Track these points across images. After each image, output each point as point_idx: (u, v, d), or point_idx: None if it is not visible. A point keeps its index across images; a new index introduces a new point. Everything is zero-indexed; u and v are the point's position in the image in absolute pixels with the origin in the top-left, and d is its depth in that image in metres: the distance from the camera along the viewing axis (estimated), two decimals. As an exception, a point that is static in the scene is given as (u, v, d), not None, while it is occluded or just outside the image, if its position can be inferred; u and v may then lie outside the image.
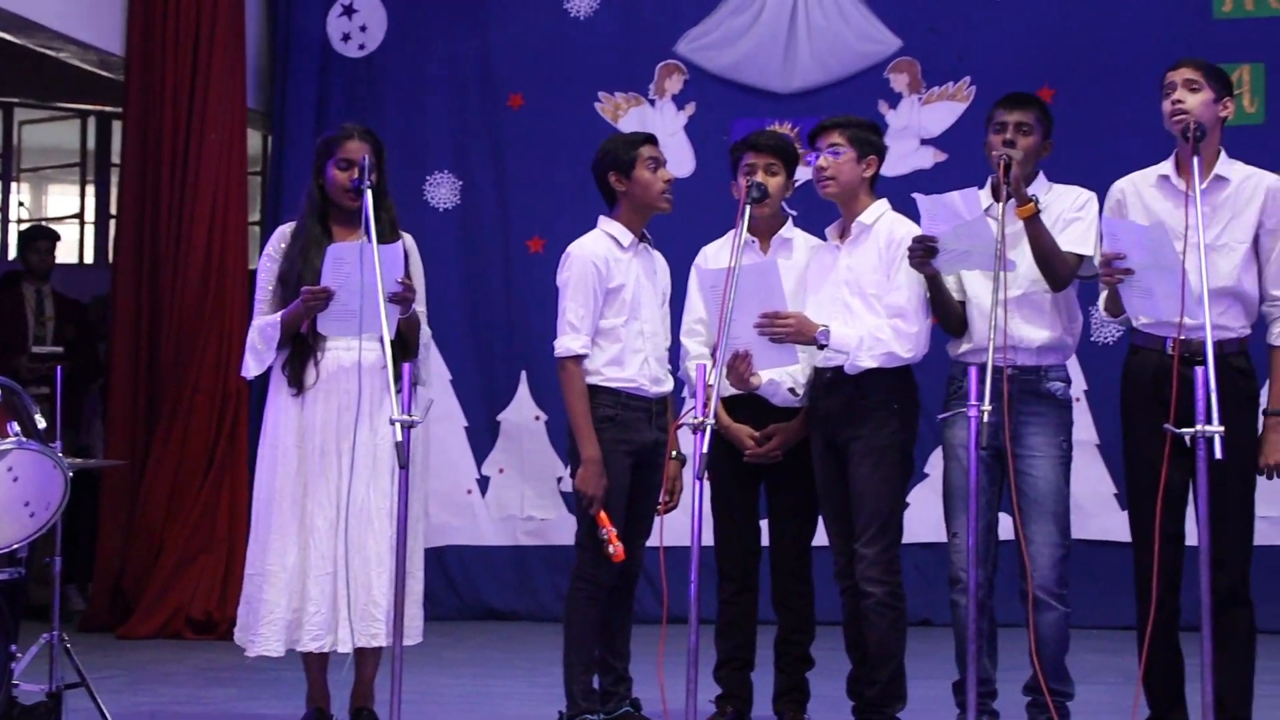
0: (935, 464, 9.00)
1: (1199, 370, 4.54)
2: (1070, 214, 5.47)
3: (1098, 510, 8.67)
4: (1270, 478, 5.23)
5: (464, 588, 9.85)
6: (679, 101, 9.84)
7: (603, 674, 5.80)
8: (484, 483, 9.88)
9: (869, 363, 5.48)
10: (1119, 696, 6.08)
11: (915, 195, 5.34)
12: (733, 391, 5.66)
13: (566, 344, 5.64)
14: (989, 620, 5.53)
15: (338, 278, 5.36)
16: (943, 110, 9.55)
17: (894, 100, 9.63)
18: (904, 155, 9.36)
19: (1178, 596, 5.24)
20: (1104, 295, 5.35)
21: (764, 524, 5.96)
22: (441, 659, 7.76)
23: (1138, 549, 5.23)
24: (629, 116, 9.81)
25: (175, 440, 9.03)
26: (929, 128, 9.56)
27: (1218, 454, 4.46)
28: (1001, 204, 5.22)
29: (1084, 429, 8.81)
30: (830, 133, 5.66)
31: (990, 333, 4.91)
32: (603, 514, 5.53)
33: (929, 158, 9.39)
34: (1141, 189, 5.37)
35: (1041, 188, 5.52)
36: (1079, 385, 8.88)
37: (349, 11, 10.15)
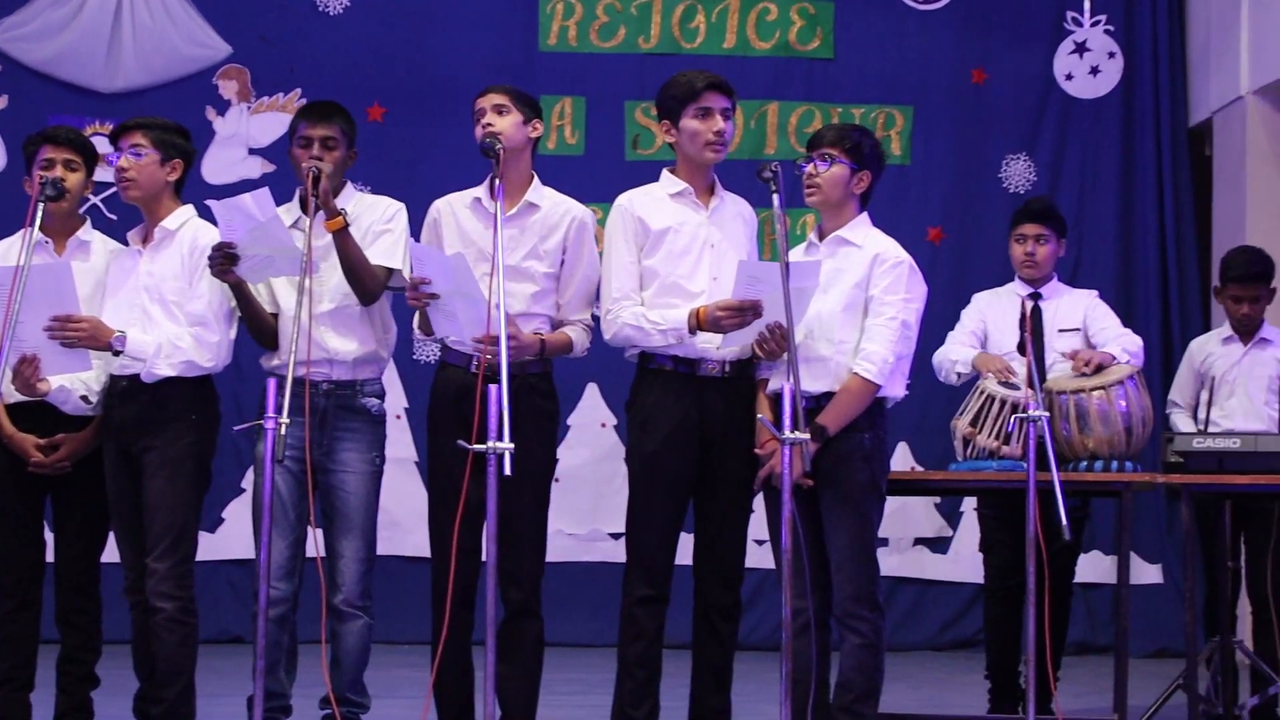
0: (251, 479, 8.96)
1: (493, 388, 4.62)
2: (380, 226, 5.51)
3: (414, 526, 8.77)
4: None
5: None
6: (-8, 94, 9.40)
7: None
8: None
9: (167, 371, 5.33)
10: (414, 709, 6.16)
11: (209, 201, 5.23)
12: (19, 398, 5.40)
13: None
14: (290, 635, 5.51)
15: None
16: (272, 120, 9.51)
17: (222, 107, 9.54)
18: (231, 164, 9.37)
19: (472, 610, 5.36)
20: (418, 315, 5.39)
21: (49, 536, 5.70)
22: None
23: (436, 563, 5.30)
24: (-67, 106, 9.29)
25: None
26: (257, 137, 9.52)
27: (507, 470, 4.55)
28: (310, 217, 5.19)
29: (404, 446, 8.93)
30: (133, 133, 5.47)
31: (292, 346, 4.84)
32: None
33: (257, 167, 9.33)
34: (457, 209, 5.46)
35: (350, 198, 5.53)
36: (400, 403, 9.00)
37: None
